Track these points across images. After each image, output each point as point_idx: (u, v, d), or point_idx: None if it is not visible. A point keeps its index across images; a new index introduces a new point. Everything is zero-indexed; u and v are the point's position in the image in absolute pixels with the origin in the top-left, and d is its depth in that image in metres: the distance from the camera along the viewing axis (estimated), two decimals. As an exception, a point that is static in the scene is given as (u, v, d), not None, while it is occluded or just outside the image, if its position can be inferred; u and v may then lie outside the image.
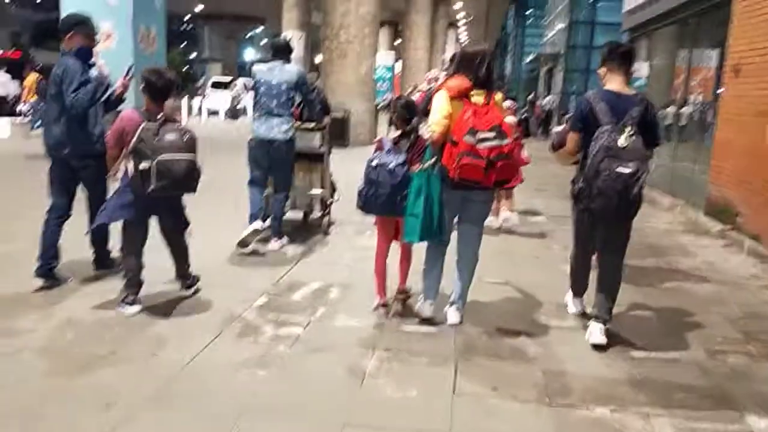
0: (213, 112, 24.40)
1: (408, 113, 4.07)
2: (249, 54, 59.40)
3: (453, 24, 46.00)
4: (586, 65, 29.26)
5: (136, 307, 4.05)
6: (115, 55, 15.90)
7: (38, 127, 17.23)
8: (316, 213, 6.50)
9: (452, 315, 4.16)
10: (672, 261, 6.26)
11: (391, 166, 3.87)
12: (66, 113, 4.26)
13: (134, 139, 3.73)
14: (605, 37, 31.11)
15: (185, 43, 62.97)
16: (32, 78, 17.81)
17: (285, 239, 5.84)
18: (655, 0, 10.58)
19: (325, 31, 15.72)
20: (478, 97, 3.78)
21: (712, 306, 4.93)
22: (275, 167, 5.70)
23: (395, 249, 4.34)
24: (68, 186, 4.47)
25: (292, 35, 26.27)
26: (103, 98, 4.37)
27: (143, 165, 3.68)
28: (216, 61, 50.24)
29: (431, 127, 3.80)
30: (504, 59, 63.80)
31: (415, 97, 19.40)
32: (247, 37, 58.34)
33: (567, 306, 4.54)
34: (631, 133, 3.66)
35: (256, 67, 5.68)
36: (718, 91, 8.10)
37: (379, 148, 4.07)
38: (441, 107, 3.80)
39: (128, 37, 15.91)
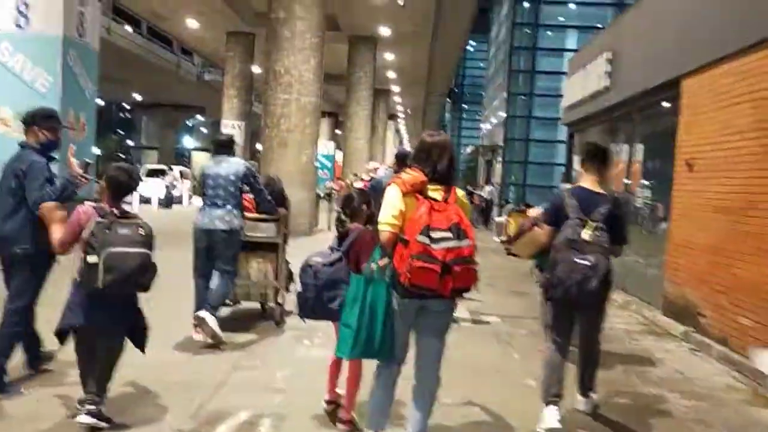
0: (145, 200, 23.49)
1: (344, 212, 3.89)
2: (188, 142, 58.89)
3: (393, 116, 47.02)
4: (524, 157, 30.11)
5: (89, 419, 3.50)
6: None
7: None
8: (270, 303, 6.37)
9: None
10: (641, 371, 5.73)
11: (316, 265, 3.64)
12: (22, 209, 4.06)
13: (86, 232, 3.47)
14: (542, 130, 32.54)
15: (122, 130, 62.18)
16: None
17: (217, 335, 5.42)
18: (596, 96, 10.61)
19: (266, 120, 15.33)
20: (435, 193, 3.25)
21: (697, 428, 4.40)
22: (218, 255, 5.64)
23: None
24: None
25: (234, 128, 26.32)
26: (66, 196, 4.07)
27: (91, 259, 3.40)
28: (152, 149, 49.35)
29: (380, 226, 3.28)
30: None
31: (358, 185, 18.40)
32: (187, 125, 57.97)
33: (543, 421, 3.98)
34: (595, 227, 3.85)
35: (204, 163, 5.98)
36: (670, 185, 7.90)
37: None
38: (392, 203, 3.26)
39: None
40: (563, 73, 31.80)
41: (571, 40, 32.19)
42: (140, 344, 3.80)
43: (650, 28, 8.81)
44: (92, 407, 3.50)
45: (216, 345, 5.35)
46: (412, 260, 3.06)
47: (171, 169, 26.56)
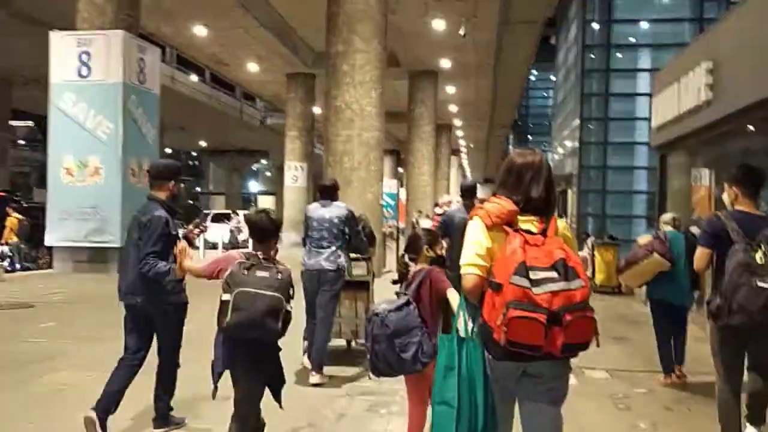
0: (212, 246, 23.22)
1: (407, 254, 3.63)
2: (253, 186, 59.50)
3: (456, 151, 46.13)
4: (601, 185, 28.49)
5: None
6: (103, 189, 15.07)
7: (15, 269, 16.01)
8: (361, 339, 6.36)
9: None
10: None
11: (382, 313, 3.25)
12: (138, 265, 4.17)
13: (226, 274, 3.43)
14: (617, 156, 30.83)
15: (191, 177, 63.58)
16: (14, 219, 16.64)
17: (325, 377, 5.72)
18: (694, 112, 9.37)
19: (328, 158, 14.64)
20: (528, 225, 2.59)
21: None
22: (321, 294, 5.84)
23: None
24: (141, 334, 4.31)
25: (297, 169, 25.96)
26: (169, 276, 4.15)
27: (225, 297, 3.37)
28: (219, 194, 49.99)
29: (462, 269, 2.61)
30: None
31: (427, 223, 17.73)
32: (252, 169, 58.70)
33: None
34: (765, 251, 3.70)
35: (309, 206, 6.29)
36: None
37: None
38: (475, 240, 2.62)
39: (116, 171, 15.09)
40: (639, 94, 30.76)
41: (645, 60, 30.55)
42: (277, 397, 3.66)
43: (759, 30, 7.60)
44: None
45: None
46: (507, 309, 2.37)
47: (237, 214, 26.26)
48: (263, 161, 53.63)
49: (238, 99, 38.12)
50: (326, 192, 6.14)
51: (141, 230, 4.15)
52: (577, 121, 31.68)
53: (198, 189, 61.70)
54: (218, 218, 26.02)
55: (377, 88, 14.65)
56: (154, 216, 4.15)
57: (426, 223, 24.94)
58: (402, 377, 3.57)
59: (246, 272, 3.38)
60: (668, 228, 6.11)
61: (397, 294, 3.49)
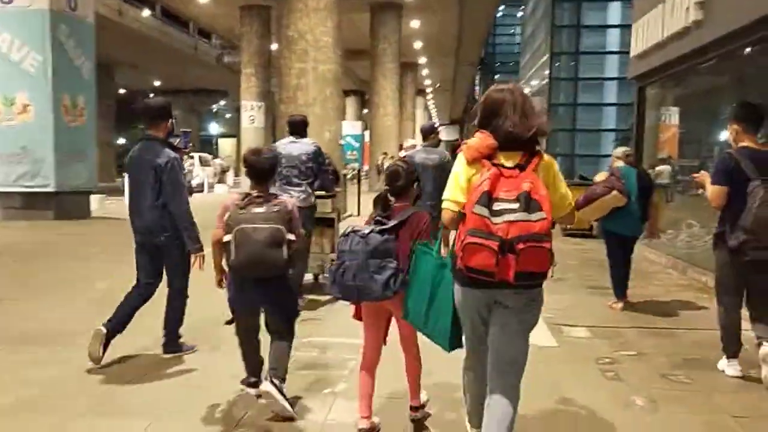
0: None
1: (390, 190, 3.29)
2: (213, 128, 57.34)
3: (421, 91, 44.80)
4: (571, 124, 27.54)
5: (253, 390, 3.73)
6: (33, 129, 13.62)
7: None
8: (326, 274, 6.34)
9: None
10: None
11: (362, 231, 3.13)
12: (163, 203, 4.26)
13: (226, 216, 3.53)
14: (588, 93, 29.82)
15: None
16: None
17: (302, 299, 5.98)
18: (682, 35, 8.40)
19: (281, 94, 13.40)
20: (508, 160, 2.63)
21: None
22: None
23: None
24: (154, 268, 4.47)
25: (253, 109, 24.53)
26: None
27: (227, 237, 3.46)
28: (176, 137, 47.99)
29: (443, 204, 2.73)
30: (472, 125, 62.92)
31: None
32: (211, 110, 56.45)
33: (724, 370, 4.32)
34: None
35: (277, 142, 6.19)
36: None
37: (368, 222, 3.29)
38: (455, 175, 2.73)
39: (48, 108, 13.62)
40: (610, 26, 29.53)
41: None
42: (292, 322, 3.78)
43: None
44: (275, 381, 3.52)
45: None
46: (465, 236, 2.52)
47: (191, 157, 24.72)
48: (222, 102, 51.48)
49: (192, 35, 35.92)
50: (296, 127, 6.11)
51: (160, 173, 4.20)
52: (546, 57, 30.44)
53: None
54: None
55: (333, 17, 13.32)
56: (172, 158, 4.25)
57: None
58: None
59: (242, 211, 3.47)
60: (620, 163, 6.25)
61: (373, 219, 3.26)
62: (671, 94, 10.14)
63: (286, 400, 3.48)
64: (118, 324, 4.33)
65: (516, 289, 2.56)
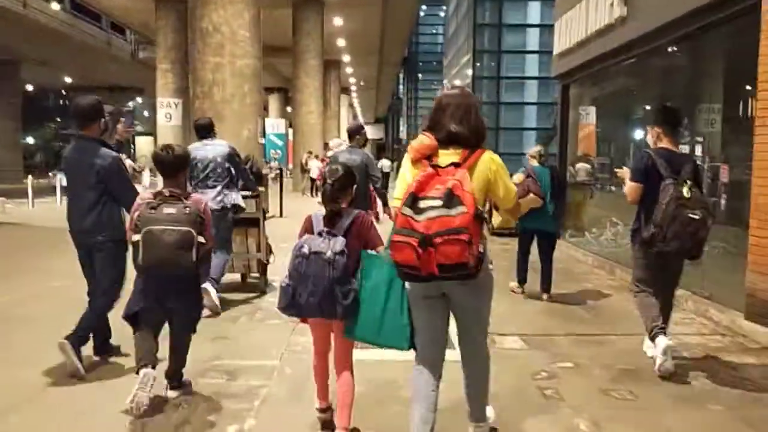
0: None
1: (341, 185, 3.11)
2: (130, 127, 54.86)
3: (346, 89, 44.26)
4: (495, 123, 27.66)
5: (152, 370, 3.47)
6: None
7: None
8: (254, 273, 6.81)
9: None
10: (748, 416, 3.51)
11: (327, 254, 2.94)
12: (102, 202, 4.15)
13: (135, 214, 3.49)
14: (511, 91, 30.13)
15: (60, 118, 58.08)
16: None
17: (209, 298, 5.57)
18: (606, 32, 8.24)
19: (195, 89, 12.60)
20: (449, 158, 2.76)
21: None
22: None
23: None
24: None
25: (170, 106, 23.33)
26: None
27: (135, 237, 3.43)
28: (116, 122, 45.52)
29: (391, 202, 3.00)
30: (397, 124, 62.92)
31: (316, 164, 16.81)
32: (128, 107, 54.02)
33: (658, 347, 4.26)
34: (689, 186, 4.13)
35: (190, 146, 5.85)
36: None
37: (307, 230, 3.14)
38: (401, 175, 2.91)
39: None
40: (530, 25, 29.87)
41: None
42: (195, 321, 3.79)
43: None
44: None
45: (213, 315, 5.52)
46: (392, 235, 2.69)
47: None
48: (139, 99, 49.28)
49: (105, 29, 34.10)
50: (203, 130, 6.05)
51: (105, 175, 4.09)
52: (469, 55, 30.49)
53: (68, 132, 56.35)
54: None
55: (251, 9, 12.63)
56: (114, 158, 4.16)
57: (314, 164, 23.36)
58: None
59: (153, 211, 3.40)
60: (534, 163, 6.47)
61: (320, 233, 3.08)
62: (594, 92, 10.04)
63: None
64: (97, 337, 4.35)
65: (450, 281, 2.70)
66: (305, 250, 2.97)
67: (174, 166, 3.61)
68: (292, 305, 3.03)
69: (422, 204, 2.62)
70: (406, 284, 2.90)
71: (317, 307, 2.98)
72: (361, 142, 6.66)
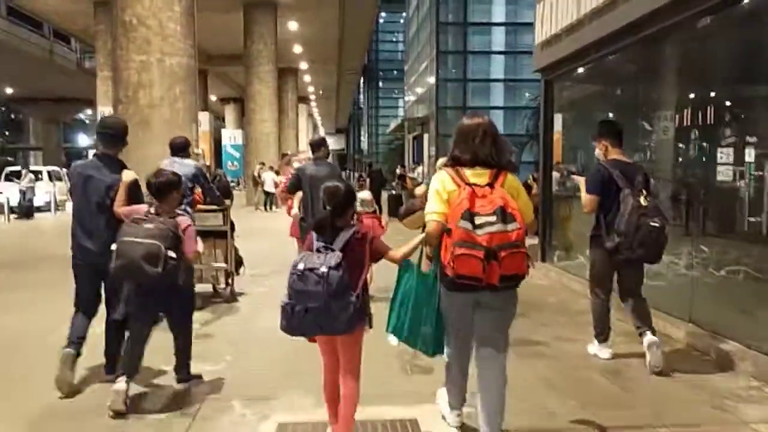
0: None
1: (342, 209, 3.13)
2: (82, 139, 51.97)
3: (304, 98, 42.36)
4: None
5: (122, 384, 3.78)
6: None
7: None
8: (221, 284, 7.00)
9: None
10: None
11: (322, 270, 2.90)
12: (110, 226, 4.09)
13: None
14: (477, 94, 28.32)
15: (8, 131, 54.80)
16: None
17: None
18: (602, 12, 6.58)
19: (119, 93, 10.58)
20: (478, 178, 3.03)
21: None
22: None
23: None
24: (96, 290, 4.32)
25: (109, 113, 21.11)
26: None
27: (113, 246, 3.70)
28: (37, 149, 42.57)
29: (427, 216, 3.07)
30: (358, 134, 61.24)
31: (270, 176, 15.56)
32: (81, 120, 51.08)
33: (602, 353, 4.75)
34: (645, 195, 4.37)
35: (162, 162, 5.70)
36: None
37: (308, 248, 3.12)
38: (438, 192, 3.06)
39: None
40: (497, 24, 28.13)
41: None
42: (180, 323, 4.18)
43: None
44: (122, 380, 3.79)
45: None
46: (454, 248, 2.85)
47: (30, 171, 20.48)
48: (89, 111, 46.50)
49: (46, 37, 31.57)
50: (177, 149, 6.09)
51: (103, 196, 4.14)
52: (431, 58, 28.59)
53: (18, 144, 53.01)
54: (9, 177, 20.50)
55: (182, 1, 10.68)
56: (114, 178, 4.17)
57: (269, 176, 21.35)
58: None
59: (134, 224, 3.73)
60: None
61: (318, 249, 3.02)
62: (586, 88, 8.40)
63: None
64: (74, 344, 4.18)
65: (496, 291, 2.93)
66: (300, 266, 2.96)
67: (163, 189, 3.91)
68: (291, 325, 2.98)
69: (478, 220, 2.85)
70: (444, 293, 3.10)
71: (316, 325, 2.98)
72: (325, 154, 6.77)
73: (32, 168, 22.93)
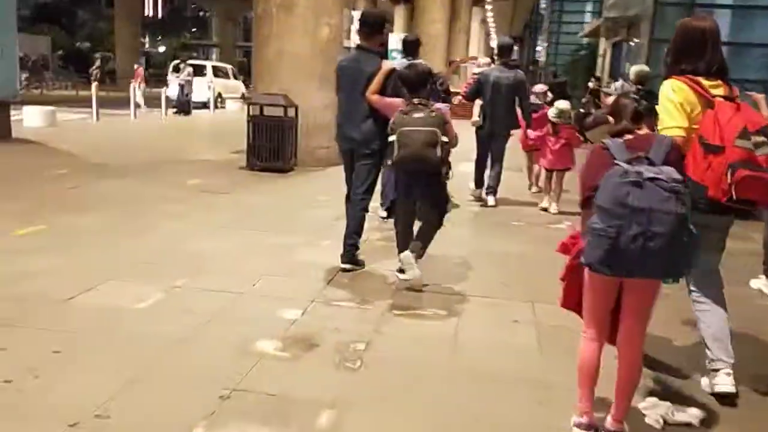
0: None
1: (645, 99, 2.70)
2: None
3: (479, 1, 38.42)
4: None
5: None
6: None
7: None
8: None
9: None
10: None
11: (672, 184, 2.12)
12: (373, 113, 4.28)
13: (391, 122, 3.96)
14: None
15: (194, 28, 56.72)
16: None
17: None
18: None
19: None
20: (717, 90, 2.71)
21: None
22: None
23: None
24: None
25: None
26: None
27: (391, 138, 3.92)
28: (214, 46, 43.27)
29: (669, 131, 2.62)
30: (535, 44, 56.19)
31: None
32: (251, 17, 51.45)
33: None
34: None
35: (393, 63, 5.09)
36: None
37: (602, 166, 2.27)
38: (677, 104, 2.70)
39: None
40: None
41: None
42: (440, 219, 4.25)
43: None
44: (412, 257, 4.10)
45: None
46: (735, 170, 2.50)
47: (189, 66, 19.18)
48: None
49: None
50: (409, 47, 6.10)
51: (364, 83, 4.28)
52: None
53: (201, 41, 54.75)
54: (174, 70, 19.56)
55: None
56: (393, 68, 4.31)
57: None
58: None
59: (405, 116, 3.93)
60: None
61: (629, 161, 2.22)
62: None
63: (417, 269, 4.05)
64: (353, 231, 4.46)
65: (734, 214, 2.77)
66: (631, 177, 2.12)
67: (413, 83, 4.08)
68: (612, 257, 2.14)
69: (755, 139, 2.53)
70: (699, 216, 2.44)
71: (655, 258, 2.13)
72: (513, 62, 6.67)
73: (196, 62, 22.01)
